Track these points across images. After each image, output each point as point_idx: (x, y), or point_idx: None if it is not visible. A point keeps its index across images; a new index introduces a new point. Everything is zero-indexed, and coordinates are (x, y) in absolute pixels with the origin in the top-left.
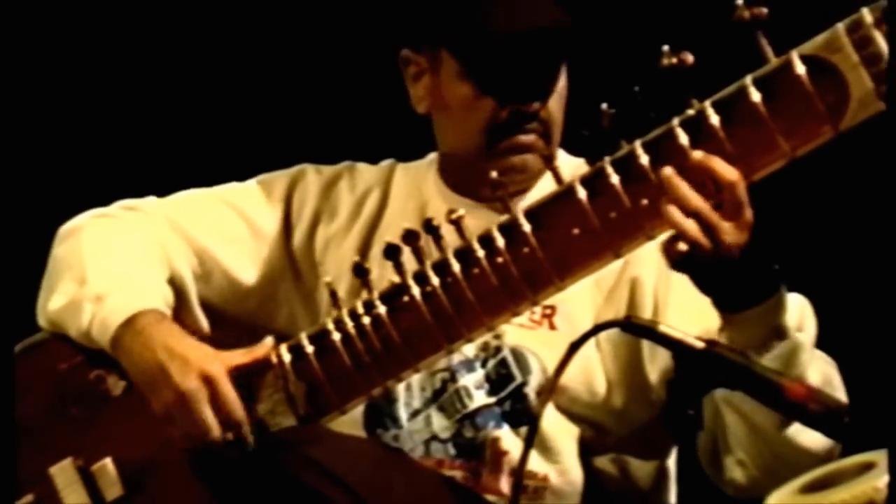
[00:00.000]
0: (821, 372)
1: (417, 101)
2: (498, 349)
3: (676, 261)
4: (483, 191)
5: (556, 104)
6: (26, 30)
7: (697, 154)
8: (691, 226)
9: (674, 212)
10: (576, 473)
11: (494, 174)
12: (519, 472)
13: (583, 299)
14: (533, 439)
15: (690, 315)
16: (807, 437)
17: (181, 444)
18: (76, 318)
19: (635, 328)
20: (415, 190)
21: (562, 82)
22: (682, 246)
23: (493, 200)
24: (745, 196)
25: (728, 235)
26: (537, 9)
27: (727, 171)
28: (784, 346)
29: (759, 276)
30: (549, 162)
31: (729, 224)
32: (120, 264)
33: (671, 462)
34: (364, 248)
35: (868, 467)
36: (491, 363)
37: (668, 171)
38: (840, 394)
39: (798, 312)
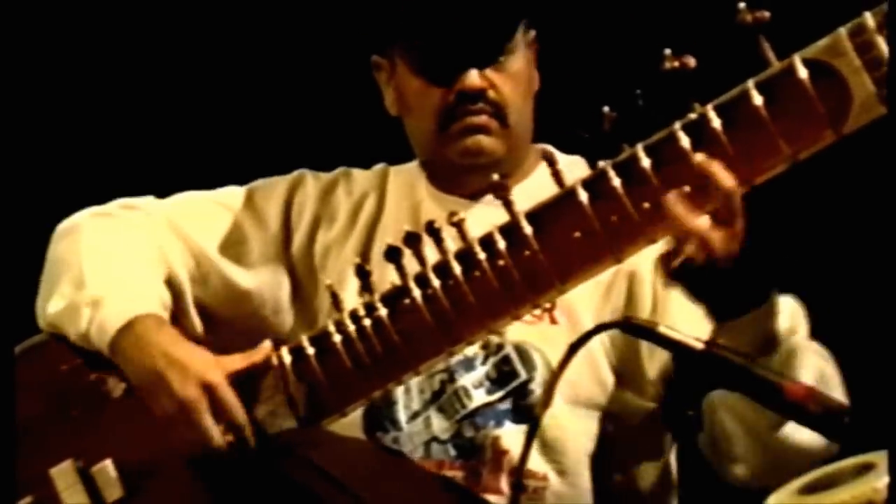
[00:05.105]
0: (816, 371)
1: (390, 105)
2: (500, 346)
3: (671, 274)
4: (467, 186)
5: (509, 86)
6: (26, 30)
7: (699, 157)
8: (688, 243)
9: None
10: (576, 474)
11: (496, 176)
12: (519, 472)
13: (581, 294)
14: (532, 441)
15: (693, 308)
16: (802, 436)
17: (183, 450)
18: (74, 322)
19: (634, 329)
20: (408, 191)
21: (517, 65)
22: (676, 261)
23: (482, 195)
24: (740, 206)
25: (721, 248)
26: None
27: (726, 179)
28: (778, 353)
29: (751, 283)
30: (551, 163)
31: (721, 235)
32: (118, 266)
33: (673, 465)
34: (364, 252)
35: (868, 468)
36: (492, 361)
37: (671, 197)
38: (837, 391)
39: (789, 315)
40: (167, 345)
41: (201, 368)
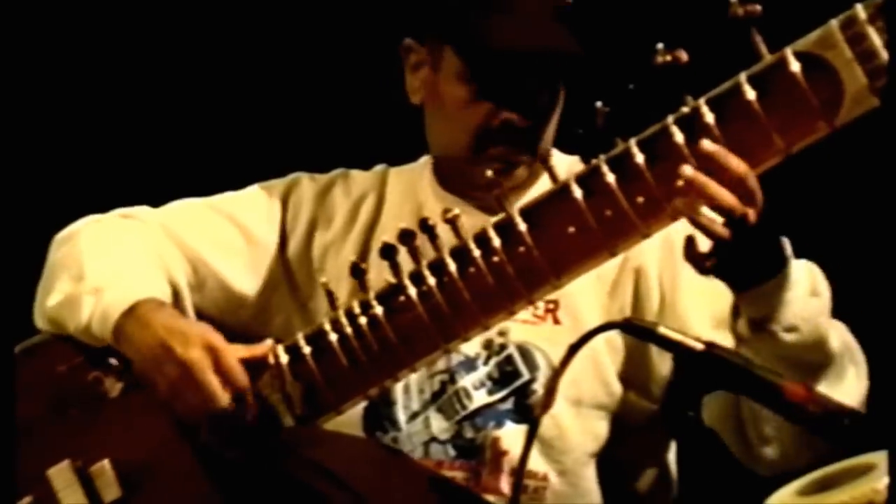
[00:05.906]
0: (840, 339)
1: (413, 92)
2: (503, 346)
3: (703, 257)
4: (475, 191)
5: (547, 119)
6: (27, 34)
7: (707, 145)
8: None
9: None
10: (577, 474)
11: (490, 173)
12: (519, 472)
13: (585, 293)
14: (532, 441)
15: (704, 298)
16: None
17: (189, 416)
18: (75, 313)
19: (634, 329)
20: (410, 192)
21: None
22: (704, 246)
23: (487, 199)
24: (756, 185)
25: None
26: (550, 33)
27: (738, 165)
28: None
29: (769, 251)
30: (544, 161)
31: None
32: (117, 261)
33: (673, 466)
34: (363, 253)
35: (868, 469)
36: (494, 361)
37: (693, 172)
38: (859, 359)
39: (809, 278)
40: (169, 319)
41: (203, 333)
